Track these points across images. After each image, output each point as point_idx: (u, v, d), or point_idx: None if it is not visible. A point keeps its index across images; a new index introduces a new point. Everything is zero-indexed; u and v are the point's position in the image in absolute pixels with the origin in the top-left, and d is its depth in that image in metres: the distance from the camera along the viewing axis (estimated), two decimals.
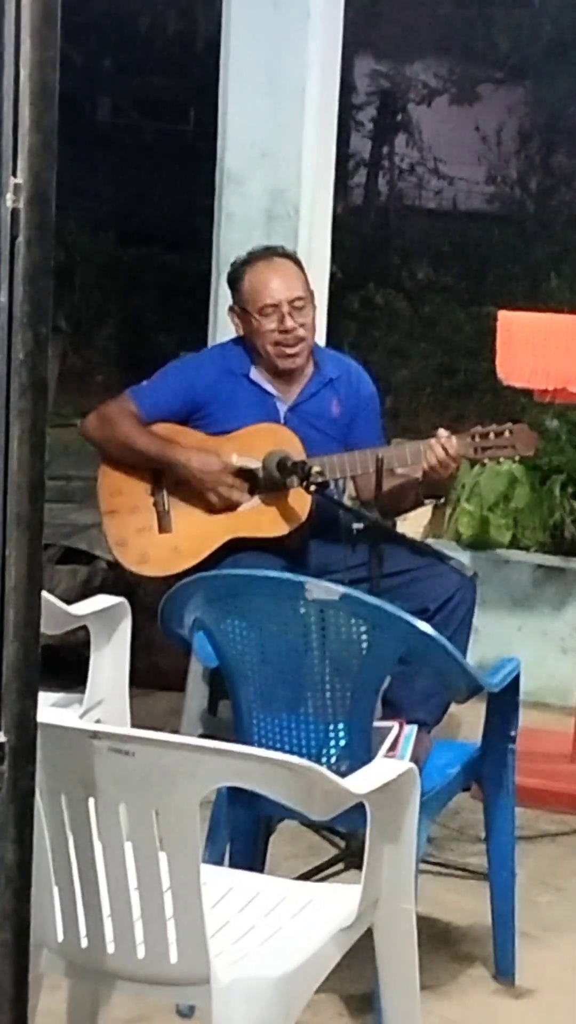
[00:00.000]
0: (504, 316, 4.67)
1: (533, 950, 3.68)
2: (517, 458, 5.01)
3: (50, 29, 1.82)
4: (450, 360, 12.66)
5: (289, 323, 4.36)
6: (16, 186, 1.83)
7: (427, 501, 4.59)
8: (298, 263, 4.50)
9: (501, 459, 4.47)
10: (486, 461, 4.37)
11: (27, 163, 1.83)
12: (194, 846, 2.42)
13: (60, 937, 2.51)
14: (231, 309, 4.52)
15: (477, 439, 4.24)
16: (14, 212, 1.84)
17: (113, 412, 4.45)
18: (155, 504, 4.41)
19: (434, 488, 4.33)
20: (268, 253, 4.50)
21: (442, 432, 4.23)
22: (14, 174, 1.83)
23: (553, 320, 4.72)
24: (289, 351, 4.38)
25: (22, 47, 1.81)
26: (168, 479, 4.40)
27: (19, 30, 1.81)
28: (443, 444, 4.18)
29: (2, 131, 1.83)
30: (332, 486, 4.34)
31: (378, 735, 3.26)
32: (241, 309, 4.45)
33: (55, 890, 2.49)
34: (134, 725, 3.57)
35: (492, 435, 4.24)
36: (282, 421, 4.43)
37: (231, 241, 5.34)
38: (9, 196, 1.83)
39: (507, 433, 4.25)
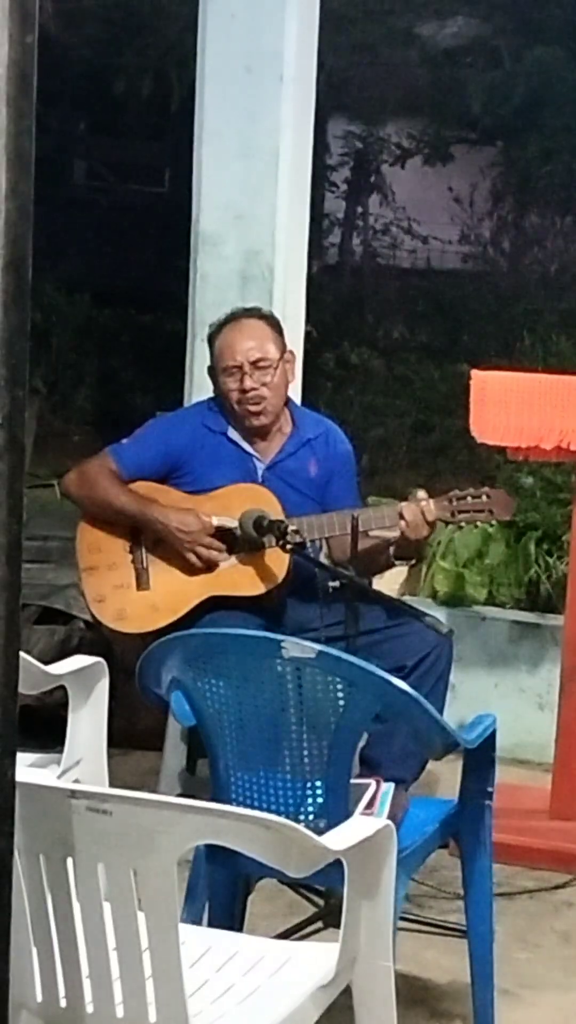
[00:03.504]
0: (477, 375, 4.71)
1: (512, 1007, 3.68)
2: (494, 522, 5.04)
3: (26, 100, 1.85)
4: (425, 418, 12.69)
5: (248, 383, 4.39)
6: None
7: (399, 563, 4.59)
8: (273, 324, 4.53)
9: (478, 523, 4.50)
10: (463, 524, 4.40)
11: (4, 229, 1.86)
12: (172, 905, 2.42)
13: (39, 998, 2.51)
14: (208, 370, 4.56)
15: (454, 502, 4.27)
16: None
17: (93, 470, 4.47)
18: (133, 561, 4.42)
19: (408, 550, 4.35)
20: (239, 315, 4.54)
21: (420, 494, 4.25)
22: None
23: (525, 379, 4.76)
24: (252, 409, 4.42)
25: None
26: (147, 536, 4.42)
27: None
28: (420, 507, 4.21)
29: None
30: (308, 546, 4.36)
31: (355, 792, 3.27)
32: (212, 369, 4.50)
33: (34, 950, 2.50)
34: (112, 785, 3.57)
35: (469, 499, 4.28)
36: (260, 480, 4.45)
37: (206, 302, 5.38)
38: None
39: (484, 497, 4.29)
